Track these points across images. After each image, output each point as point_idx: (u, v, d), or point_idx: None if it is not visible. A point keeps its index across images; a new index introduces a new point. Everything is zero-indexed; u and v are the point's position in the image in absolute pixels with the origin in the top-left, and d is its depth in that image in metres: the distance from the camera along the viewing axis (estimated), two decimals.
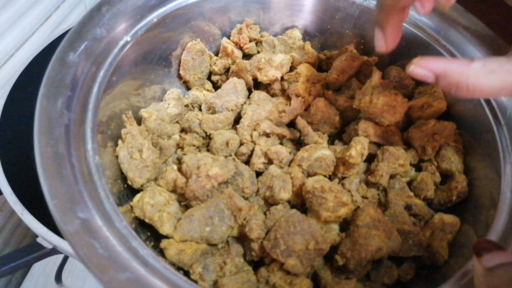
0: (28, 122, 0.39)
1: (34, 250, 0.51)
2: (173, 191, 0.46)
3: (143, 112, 0.51)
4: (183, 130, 0.53)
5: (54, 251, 0.51)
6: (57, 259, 0.88)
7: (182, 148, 0.51)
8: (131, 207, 0.44)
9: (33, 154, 0.36)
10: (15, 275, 0.91)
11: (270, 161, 0.49)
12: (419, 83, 0.56)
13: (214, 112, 0.53)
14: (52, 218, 0.34)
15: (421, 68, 0.40)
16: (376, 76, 0.49)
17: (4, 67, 0.70)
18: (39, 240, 0.51)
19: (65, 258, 0.89)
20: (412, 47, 0.56)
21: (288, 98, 0.54)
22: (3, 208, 0.83)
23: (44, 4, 0.76)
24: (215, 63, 0.60)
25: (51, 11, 0.79)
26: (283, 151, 0.49)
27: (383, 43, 0.44)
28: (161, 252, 0.42)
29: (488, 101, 0.49)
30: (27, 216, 0.50)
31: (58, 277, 0.86)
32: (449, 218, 0.46)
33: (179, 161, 0.50)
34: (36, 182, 0.35)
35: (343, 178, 0.49)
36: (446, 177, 0.51)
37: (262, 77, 0.54)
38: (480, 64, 0.38)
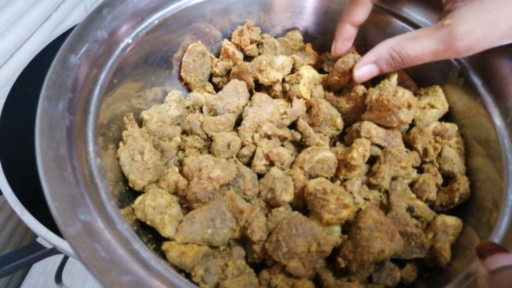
0: (28, 122, 0.39)
1: (34, 250, 0.51)
2: (175, 193, 0.46)
3: (144, 114, 0.51)
4: (184, 132, 0.53)
5: (54, 251, 0.51)
6: (57, 259, 0.88)
7: (183, 150, 0.51)
8: (133, 209, 0.44)
9: (34, 154, 0.36)
10: (15, 275, 0.91)
11: (271, 163, 0.49)
12: (420, 84, 0.56)
13: (215, 114, 0.53)
14: (52, 218, 0.34)
15: (362, 67, 0.48)
16: (394, 77, 0.49)
17: (4, 67, 0.70)
18: (39, 240, 0.51)
19: (65, 258, 0.89)
20: None
21: (290, 100, 0.54)
22: (3, 208, 0.83)
23: (44, 4, 0.76)
24: (216, 65, 0.60)
25: (51, 11, 0.79)
26: (285, 153, 0.49)
27: (333, 48, 0.54)
28: (163, 255, 0.42)
29: (489, 103, 0.49)
30: (27, 216, 0.50)
31: (58, 277, 0.86)
32: (451, 220, 0.45)
33: (180, 163, 0.50)
34: (36, 182, 0.34)
35: (345, 180, 0.49)
36: (448, 178, 0.51)
37: (263, 79, 0.54)
38: (403, 35, 0.45)
